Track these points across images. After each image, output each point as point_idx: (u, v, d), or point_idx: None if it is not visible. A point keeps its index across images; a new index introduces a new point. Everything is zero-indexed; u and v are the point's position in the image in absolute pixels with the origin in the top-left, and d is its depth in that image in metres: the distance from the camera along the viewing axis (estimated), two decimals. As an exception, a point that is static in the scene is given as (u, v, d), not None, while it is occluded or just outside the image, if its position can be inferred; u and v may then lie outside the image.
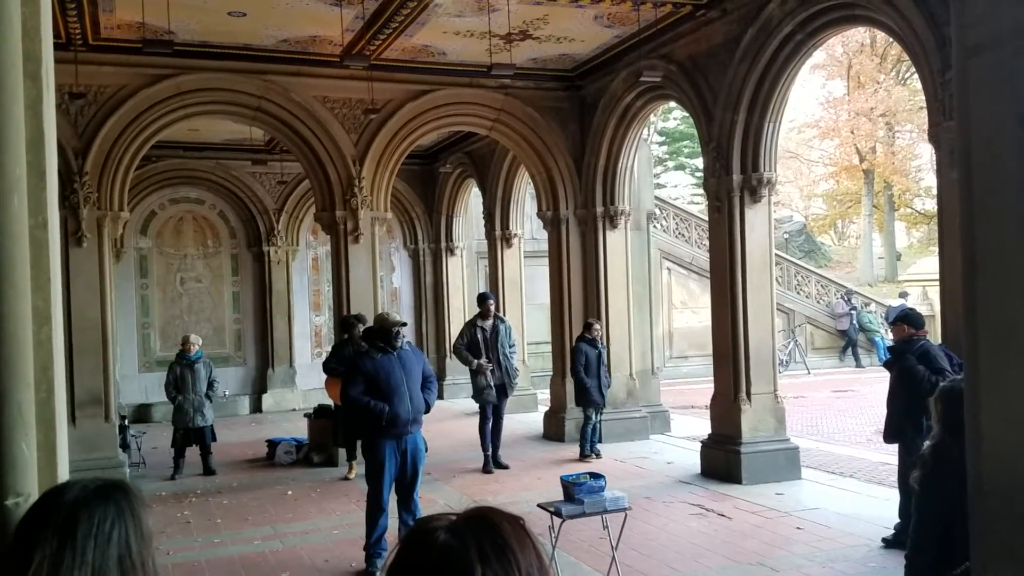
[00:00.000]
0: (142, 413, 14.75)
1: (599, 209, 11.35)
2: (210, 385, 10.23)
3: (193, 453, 10.30)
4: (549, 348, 12.51)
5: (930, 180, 31.48)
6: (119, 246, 14.19)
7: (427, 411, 6.66)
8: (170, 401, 10.34)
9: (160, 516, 8.20)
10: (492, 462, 9.87)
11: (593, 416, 10.27)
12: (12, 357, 1.70)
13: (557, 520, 5.57)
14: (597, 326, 10.37)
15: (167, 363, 10.99)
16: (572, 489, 5.64)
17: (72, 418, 9.22)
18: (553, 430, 11.70)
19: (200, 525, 8.01)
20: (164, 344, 15.24)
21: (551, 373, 12.18)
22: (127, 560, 1.66)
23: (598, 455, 10.28)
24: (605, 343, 11.05)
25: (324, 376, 9.99)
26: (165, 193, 15.62)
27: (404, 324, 6.62)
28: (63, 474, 1.85)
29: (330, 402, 10.12)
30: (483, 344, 9.91)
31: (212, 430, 10.33)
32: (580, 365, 10.13)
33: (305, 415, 11.63)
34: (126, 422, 11.10)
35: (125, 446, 10.41)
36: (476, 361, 9.83)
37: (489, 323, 10.04)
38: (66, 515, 1.62)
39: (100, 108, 9.63)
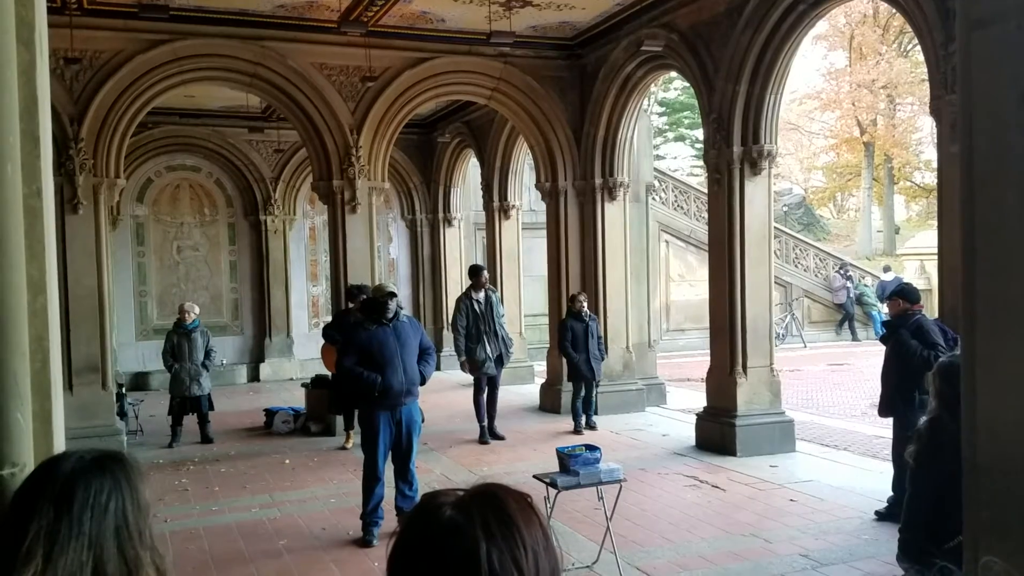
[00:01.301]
0: (140, 381, 14.79)
1: (598, 181, 11.29)
2: (207, 354, 10.24)
3: (191, 421, 10.34)
4: (546, 320, 12.51)
5: (930, 153, 31.40)
6: (115, 213, 14.11)
7: (422, 383, 6.66)
8: (167, 369, 10.35)
9: (158, 484, 8.25)
10: (488, 433, 9.92)
11: (583, 390, 10.28)
12: (6, 327, 1.68)
13: (553, 491, 5.61)
14: (581, 298, 10.30)
15: (164, 331, 11.01)
16: (567, 461, 5.67)
17: (69, 386, 9.23)
18: (549, 402, 11.74)
19: (198, 493, 8.05)
20: (161, 312, 15.24)
21: (548, 345, 12.19)
22: (124, 531, 1.66)
23: (593, 427, 10.33)
24: (602, 315, 11.07)
25: (321, 344, 10.02)
26: (161, 160, 15.53)
27: (393, 295, 6.57)
28: (59, 444, 1.85)
29: (327, 372, 10.14)
30: (481, 317, 9.91)
31: (209, 399, 10.36)
32: (567, 341, 10.14)
33: (302, 385, 11.67)
34: (123, 390, 11.12)
35: (123, 414, 10.45)
36: (461, 360, 9.91)
37: (482, 295, 10.04)
38: (63, 486, 1.62)
39: (96, 73, 9.53)
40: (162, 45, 9.70)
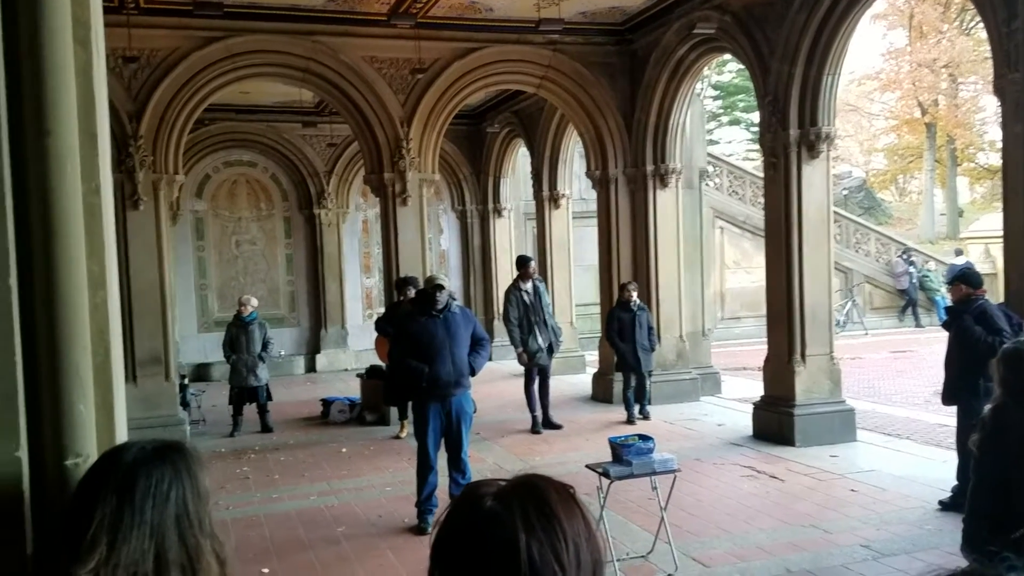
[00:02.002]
0: (201, 372, 15.15)
1: (649, 167, 11.17)
2: (264, 346, 10.42)
3: (251, 411, 10.56)
4: (597, 310, 12.45)
5: (995, 133, 30.36)
6: (175, 209, 14.46)
7: (472, 374, 6.67)
8: (226, 360, 10.59)
9: (220, 472, 8.45)
10: (544, 422, 9.92)
11: (633, 380, 10.19)
12: (69, 322, 1.73)
13: (605, 481, 5.58)
14: (631, 288, 10.18)
15: (224, 323, 11.23)
16: (620, 450, 5.64)
17: (133, 377, 9.50)
18: (601, 392, 11.69)
19: (259, 481, 8.23)
20: (221, 305, 15.57)
21: (599, 335, 12.13)
22: (184, 519, 1.70)
23: (647, 417, 10.25)
24: (654, 304, 10.96)
25: (375, 336, 10.13)
26: (219, 156, 15.83)
27: (441, 287, 6.58)
28: (121, 435, 1.89)
29: (381, 363, 10.26)
30: (530, 307, 9.90)
31: (267, 389, 10.55)
32: (613, 332, 10.08)
33: (357, 375, 11.83)
34: (186, 381, 11.42)
35: (185, 404, 10.72)
36: (519, 351, 9.91)
37: (530, 285, 10.02)
38: (125, 475, 1.65)
39: (153, 71, 9.75)
40: (216, 42, 9.87)
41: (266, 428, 10.50)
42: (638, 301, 10.18)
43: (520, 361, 10.10)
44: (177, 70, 9.78)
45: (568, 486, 1.18)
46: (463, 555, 1.12)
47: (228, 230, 16.03)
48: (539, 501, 1.12)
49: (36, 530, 1.73)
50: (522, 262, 10.38)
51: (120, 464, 1.67)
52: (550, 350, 9.99)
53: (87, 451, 1.76)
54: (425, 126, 10.82)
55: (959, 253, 20.94)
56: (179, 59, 9.79)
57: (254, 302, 10.75)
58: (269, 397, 10.62)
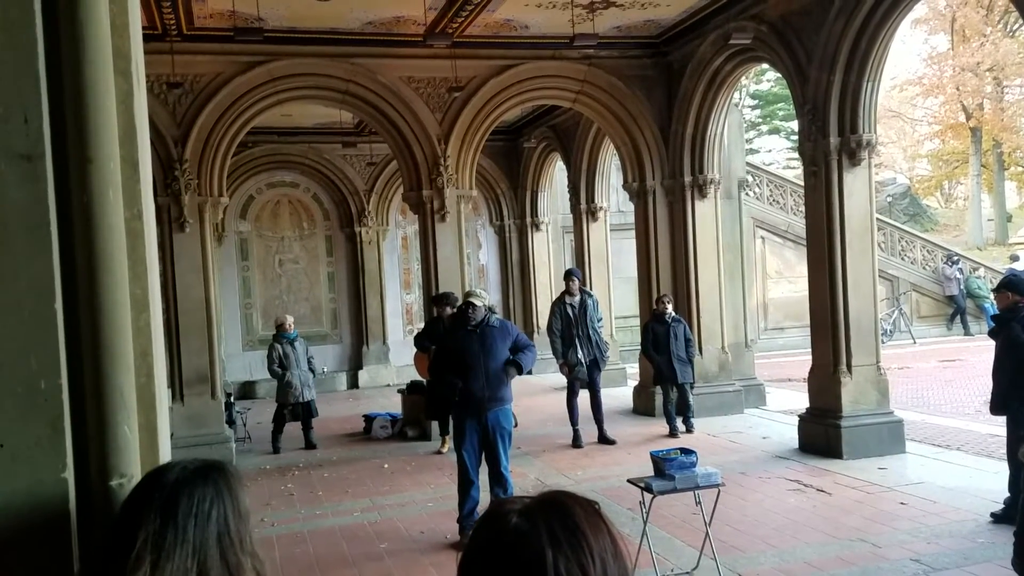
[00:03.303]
0: (247, 390, 15.37)
1: (687, 178, 11.11)
2: (308, 362, 10.57)
3: (292, 428, 10.64)
4: (637, 322, 12.37)
5: (1045, 136, 29.65)
6: (220, 230, 14.75)
7: (520, 372, 6.64)
8: (275, 378, 10.65)
9: (265, 489, 8.55)
10: (599, 438, 9.86)
11: (673, 392, 10.12)
12: (112, 344, 1.77)
13: (648, 496, 5.53)
14: (665, 300, 10.16)
15: (268, 341, 11.38)
16: (662, 464, 5.59)
17: (180, 396, 9.67)
18: (642, 405, 11.60)
19: (303, 497, 8.31)
20: (266, 324, 15.76)
21: (639, 348, 12.05)
22: (226, 538, 1.72)
23: (691, 430, 10.14)
24: (695, 316, 10.88)
25: (415, 352, 10.19)
26: (262, 178, 16.12)
27: (471, 304, 6.60)
28: (165, 455, 1.93)
29: (422, 379, 10.31)
30: (573, 321, 9.88)
31: (315, 404, 10.67)
32: (649, 344, 10.07)
33: (399, 391, 11.89)
34: (231, 399, 11.58)
35: (231, 422, 10.87)
36: (560, 363, 9.95)
37: (576, 299, 10.01)
38: (168, 495, 1.69)
39: (197, 97, 9.97)
40: (258, 67, 10.07)
41: (310, 444, 10.60)
42: (673, 313, 10.12)
43: (561, 372, 10.10)
44: (220, 95, 10.00)
45: (593, 502, 1.18)
46: (490, 573, 1.12)
47: (272, 249, 16.29)
48: (564, 517, 1.13)
49: (82, 549, 1.77)
50: (568, 276, 10.40)
51: (163, 484, 1.70)
52: (594, 364, 9.94)
53: (131, 471, 1.79)
54: (462, 143, 10.91)
55: (1015, 259, 20.37)
56: (222, 84, 10.00)
57: (292, 319, 10.93)
58: (316, 412, 10.73)
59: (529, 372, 6.87)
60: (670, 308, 10.11)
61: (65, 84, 1.76)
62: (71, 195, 1.76)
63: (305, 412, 10.56)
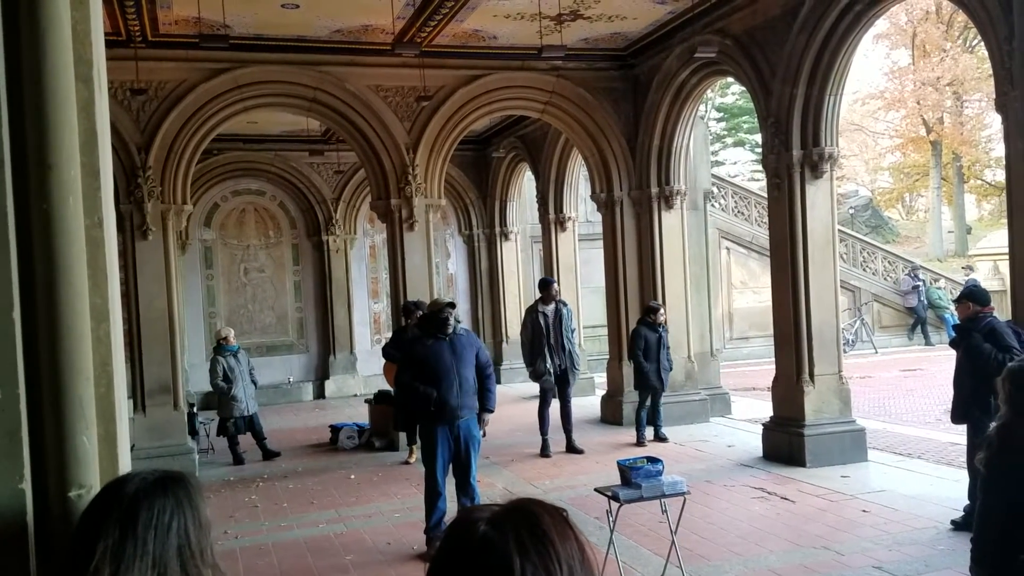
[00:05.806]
0: (210, 400, 15.14)
1: (654, 190, 11.21)
2: (250, 374, 10.46)
3: (247, 439, 10.50)
4: (605, 332, 12.44)
5: (1001, 150, 30.30)
6: (184, 238, 14.57)
7: (491, 411, 6.73)
8: (218, 392, 10.35)
9: (229, 500, 8.44)
10: (567, 447, 9.87)
11: (648, 400, 10.17)
12: (72, 354, 1.75)
13: (615, 505, 5.56)
14: (661, 311, 10.21)
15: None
16: (629, 473, 5.62)
17: (142, 406, 9.53)
18: (610, 414, 11.65)
19: (267, 509, 8.21)
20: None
21: (607, 357, 12.12)
22: (186, 550, 1.71)
23: (664, 439, 10.18)
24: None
25: (383, 361, 10.15)
26: (227, 185, 15.96)
27: (452, 306, 6.62)
28: (124, 466, 1.91)
29: (390, 388, 10.26)
30: (545, 330, 9.90)
31: (258, 417, 10.56)
32: (639, 349, 10.05)
33: (366, 401, 11.82)
34: (195, 409, 11.42)
35: (194, 433, 10.72)
36: (531, 368, 9.99)
37: (551, 308, 10.02)
38: (127, 506, 1.67)
39: (161, 103, 9.86)
40: (224, 74, 9.99)
41: (269, 454, 10.45)
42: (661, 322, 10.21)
43: (531, 378, 10.12)
44: (185, 102, 9.90)
45: (561, 510, 1.19)
46: None
47: (237, 258, 16.12)
48: (532, 525, 1.13)
49: (40, 562, 1.74)
50: (544, 285, 10.42)
51: (122, 496, 1.68)
52: (564, 374, 9.96)
53: (90, 482, 1.77)
54: (431, 152, 10.90)
55: (968, 269, 20.85)
56: (187, 91, 9.90)
57: (233, 332, 10.90)
58: (259, 425, 10.60)
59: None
60: (662, 318, 10.18)
61: (25, 90, 1.74)
62: (30, 202, 1.73)
63: (249, 426, 10.42)
